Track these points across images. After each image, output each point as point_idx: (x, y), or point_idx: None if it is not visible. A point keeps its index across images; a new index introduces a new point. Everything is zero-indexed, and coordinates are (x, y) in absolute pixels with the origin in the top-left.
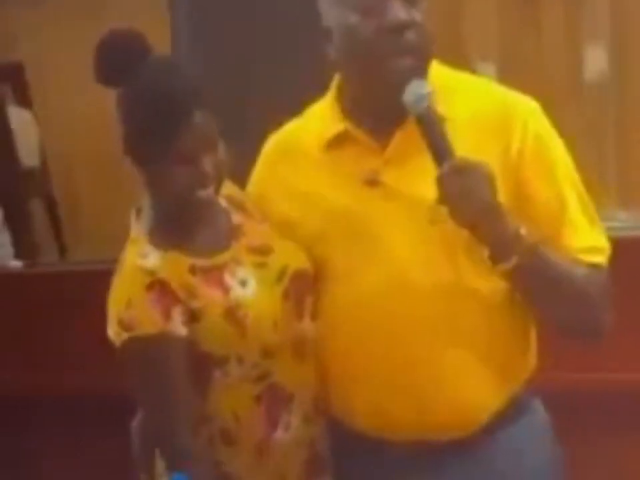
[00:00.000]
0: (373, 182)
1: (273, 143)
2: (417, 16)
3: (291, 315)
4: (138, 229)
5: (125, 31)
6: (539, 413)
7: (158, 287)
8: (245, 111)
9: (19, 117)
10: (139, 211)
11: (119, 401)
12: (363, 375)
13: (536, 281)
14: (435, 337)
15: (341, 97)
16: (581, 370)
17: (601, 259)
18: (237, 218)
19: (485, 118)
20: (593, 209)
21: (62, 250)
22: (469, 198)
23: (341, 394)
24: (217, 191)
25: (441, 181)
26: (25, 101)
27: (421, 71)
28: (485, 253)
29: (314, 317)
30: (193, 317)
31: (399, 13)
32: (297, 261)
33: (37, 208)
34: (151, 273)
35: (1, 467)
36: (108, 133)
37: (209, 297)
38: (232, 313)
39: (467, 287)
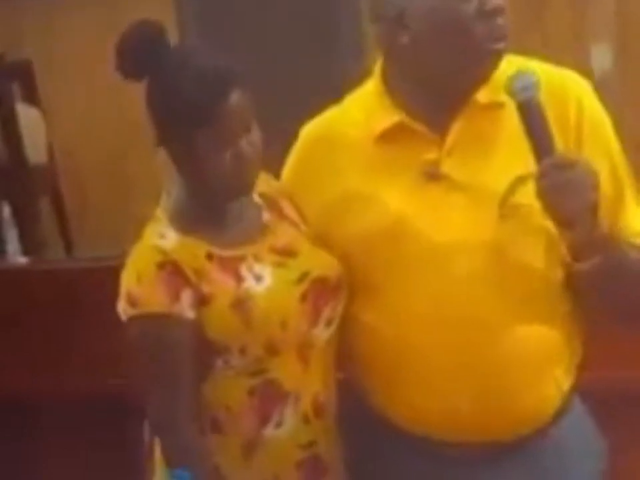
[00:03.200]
0: (433, 174)
1: (311, 132)
2: (504, 2)
3: (305, 318)
4: (162, 209)
5: (146, 22)
6: (576, 402)
7: (169, 267)
8: (257, 106)
9: (26, 115)
10: (168, 192)
11: (126, 397)
12: (431, 377)
13: (612, 278)
14: (506, 334)
15: (388, 88)
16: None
17: None
18: (267, 216)
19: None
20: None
21: (68, 246)
22: (573, 195)
23: (405, 400)
24: (256, 175)
25: (543, 174)
26: (32, 98)
27: (503, 57)
28: (564, 249)
29: (329, 324)
30: (202, 302)
31: None
32: (323, 268)
33: (43, 205)
34: (164, 252)
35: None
36: (116, 129)
37: (221, 283)
38: (240, 303)
39: (538, 282)
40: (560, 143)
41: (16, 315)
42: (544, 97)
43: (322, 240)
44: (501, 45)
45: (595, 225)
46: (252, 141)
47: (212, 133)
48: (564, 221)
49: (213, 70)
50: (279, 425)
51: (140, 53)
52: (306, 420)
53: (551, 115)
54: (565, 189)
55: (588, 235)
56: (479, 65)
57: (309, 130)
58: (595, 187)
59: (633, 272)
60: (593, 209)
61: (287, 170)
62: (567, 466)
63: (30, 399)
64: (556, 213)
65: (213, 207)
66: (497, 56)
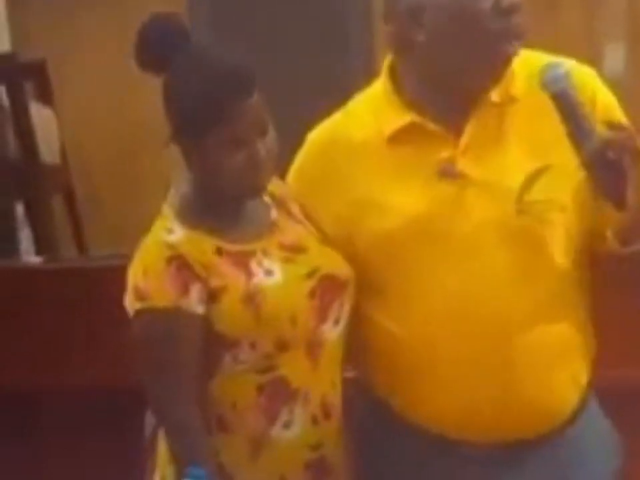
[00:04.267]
0: (449, 173)
1: (318, 138)
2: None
3: (314, 314)
4: (169, 205)
5: (168, 14)
6: (593, 401)
7: (178, 261)
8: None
9: (40, 114)
10: (176, 189)
11: (137, 394)
12: (453, 376)
13: None
14: (526, 330)
15: (398, 88)
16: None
17: None
18: (275, 214)
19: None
20: None
21: (81, 246)
22: (628, 175)
23: (425, 399)
24: (268, 179)
25: (593, 157)
26: (46, 97)
27: (518, 54)
28: (611, 233)
29: (337, 322)
30: (211, 296)
31: None
32: (332, 265)
33: (57, 204)
34: (172, 247)
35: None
36: (128, 128)
37: (232, 277)
38: (250, 297)
39: (556, 276)
40: None
41: (29, 314)
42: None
43: (338, 245)
44: (515, 45)
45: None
46: (267, 144)
47: (228, 132)
48: (616, 200)
49: (234, 69)
50: (288, 425)
51: (161, 46)
52: (315, 421)
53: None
54: (621, 169)
55: (637, 216)
56: (494, 63)
57: (315, 136)
58: None
59: None
60: None
61: (293, 175)
62: (586, 465)
63: (36, 396)
64: (609, 192)
65: (221, 204)
66: (511, 55)
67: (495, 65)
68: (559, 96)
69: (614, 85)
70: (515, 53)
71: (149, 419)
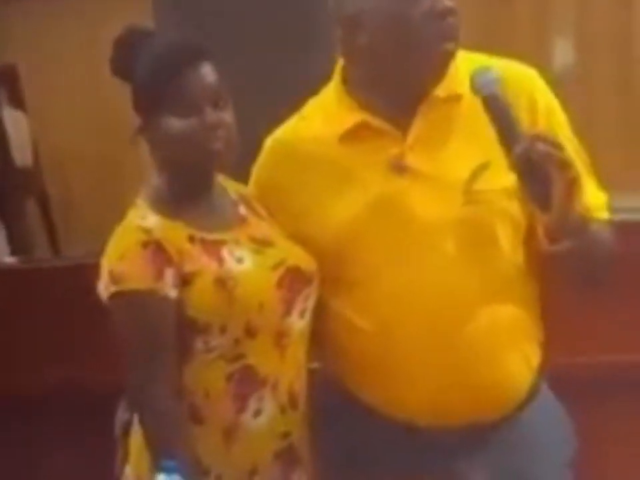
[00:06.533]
0: (399, 168)
1: (275, 142)
2: (455, 3)
3: (280, 305)
4: (142, 197)
5: (138, 28)
6: (545, 386)
7: (153, 246)
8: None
9: (12, 118)
10: (148, 182)
11: (112, 396)
12: (413, 361)
13: (584, 259)
14: (479, 313)
15: (349, 88)
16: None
17: (607, 214)
18: (243, 210)
19: None
20: (589, 164)
21: (54, 246)
22: (550, 177)
23: (386, 387)
24: (227, 154)
25: (519, 161)
26: (18, 101)
27: (455, 55)
28: (540, 232)
29: (302, 315)
30: (184, 281)
31: None
32: (297, 259)
33: (30, 205)
34: (148, 231)
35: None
36: (101, 130)
37: (203, 263)
38: (222, 282)
39: (505, 262)
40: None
41: (5, 314)
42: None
43: (297, 240)
44: (450, 45)
45: (571, 206)
46: (222, 116)
47: (178, 99)
48: (542, 203)
49: (181, 41)
50: (257, 413)
51: (129, 57)
52: (283, 410)
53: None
54: (546, 175)
55: (565, 217)
56: (430, 64)
57: (270, 142)
58: (570, 167)
59: (602, 251)
60: (569, 190)
61: (252, 180)
62: (536, 448)
63: (18, 396)
64: (534, 196)
65: (189, 192)
66: (447, 55)
67: (431, 65)
68: (488, 100)
69: (563, 77)
70: (449, 54)
71: (121, 415)
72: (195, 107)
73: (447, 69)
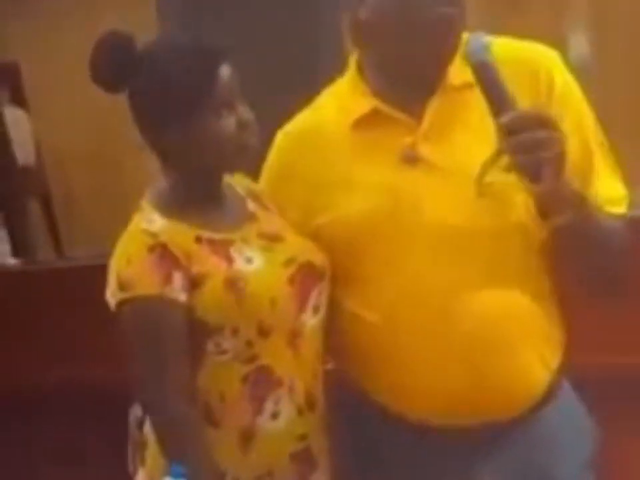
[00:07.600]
0: (411, 158)
1: (286, 135)
2: None
3: (292, 302)
4: (147, 200)
5: (113, 34)
6: (567, 386)
7: (160, 250)
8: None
9: (14, 117)
10: (152, 186)
11: (117, 396)
12: (424, 359)
13: (583, 238)
14: (494, 311)
15: (363, 76)
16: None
17: (624, 209)
18: (252, 206)
19: (510, 70)
20: (613, 157)
21: (58, 247)
22: (537, 147)
23: (398, 386)
24: (255, 143)
25: (507, 128)
26: (20, 100)
27: (462, 20)
28: (536, 207)
29: (316, 311)
30: (193, 283)
31: None
32: (309, 254)
33: (33, 206)
34: (154, 235)
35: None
36: (103, 130)
37: (212, 264)
38: (232, 283)
39: (520, 257)
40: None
41: (8, 316)
42: (514, 70)
43: (308, 234)
44: (449, 9)
45: (561, 179)
46: (250, 113)
47: (212, 103)
48: (530, 174)
49: (201, 43)
50: (275, 416)
51: (112, 67)
52: (300, 411)
53: (522, 87)
54: (529, 142)
55: (554, 188)
56: (432, 32)
57: (283, 135)
58: (560, 140)
59: (601, 234)
60: (558, 162)
61: (263, 173)
62: (555, 449)
63: (23, 395)
64: (522, 168)
65: (201, 193)
66: (446, 19)
67: (435, 33)
68: (478, 66)
69: (578, 69)
70: (452, 17)
71: (136, 410)
72: (233, 105)
73: (454, 40)
